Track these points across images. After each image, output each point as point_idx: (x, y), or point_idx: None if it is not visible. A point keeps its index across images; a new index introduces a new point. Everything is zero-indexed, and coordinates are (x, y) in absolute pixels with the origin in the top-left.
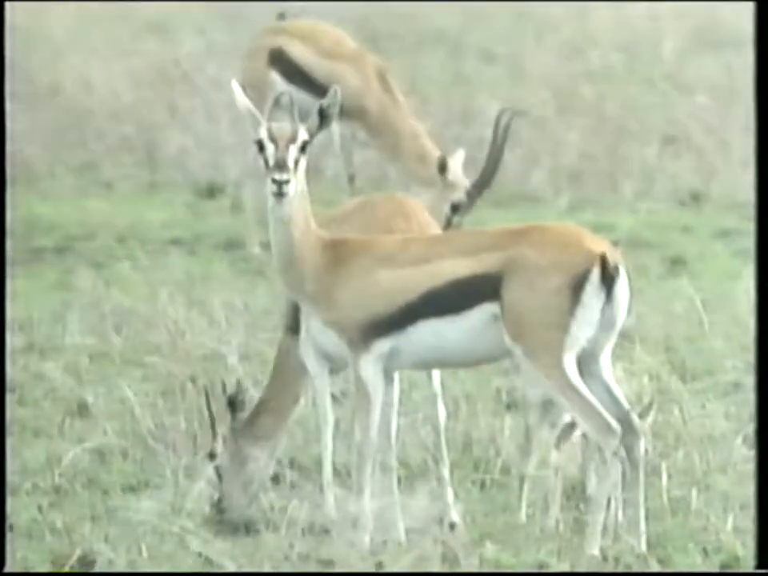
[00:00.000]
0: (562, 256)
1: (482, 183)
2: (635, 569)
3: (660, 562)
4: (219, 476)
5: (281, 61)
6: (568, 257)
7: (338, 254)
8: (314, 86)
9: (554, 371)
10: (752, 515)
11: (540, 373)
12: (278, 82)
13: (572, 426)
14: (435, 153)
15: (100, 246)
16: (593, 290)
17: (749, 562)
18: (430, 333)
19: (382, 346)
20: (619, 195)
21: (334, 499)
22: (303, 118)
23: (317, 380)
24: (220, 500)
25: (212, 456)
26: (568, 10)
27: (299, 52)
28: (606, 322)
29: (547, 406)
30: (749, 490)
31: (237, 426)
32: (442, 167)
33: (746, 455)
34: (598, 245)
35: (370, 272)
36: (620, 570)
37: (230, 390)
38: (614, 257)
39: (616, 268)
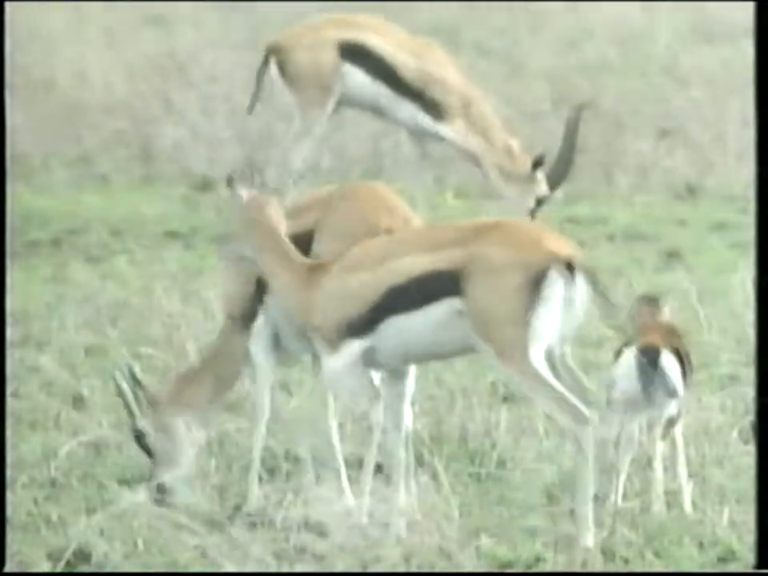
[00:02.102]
0: (521, 255)
1: (560, 176)
2: (632, 563)
3: (656, 554)
4: (148, 452)
5: (359, 55)
6: (526, 256)
7: (315, 276)
8: (399, 82)
9: (522, 367)
10: (747, 509)
11: (508, 369)
12: (354, 74)
13: (674, 419)
14: (517, 146)
15: (95, 239)
16: (552, 289)
17: (745, 556)
18: (398, 329)
19: (356, 346)
20: (615, 188)
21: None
22: (378, 113)
23: (261, 373)
24: (153, 477)
25: (136, 432)
26: (563, 3)
27: (384, 47)
28: (568, 320)
29: (643, 401)
30: (745, 484)
31: (154, 397)
32: (538, 163)
33: (741, 449)
34: (559, 244)
35: (341, 279)
36: (617, 563)
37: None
38: (576, 256)
39: (577, 267)
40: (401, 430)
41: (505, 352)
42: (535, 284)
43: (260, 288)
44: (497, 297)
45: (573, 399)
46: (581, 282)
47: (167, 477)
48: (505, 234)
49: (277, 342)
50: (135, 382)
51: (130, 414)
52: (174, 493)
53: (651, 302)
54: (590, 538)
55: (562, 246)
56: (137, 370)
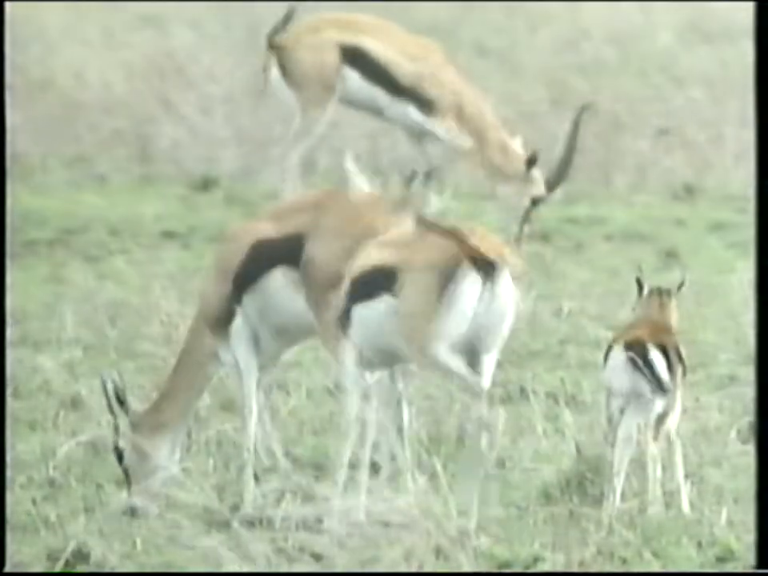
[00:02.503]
0: (431, 257)
1: (558, 178)
2: (630, 563)
3: (654, 554)
4: (125, 472)
5: (358, 58)
6: (435, 258)
7: None
8: (396, 87)
9: (425, 359)
10: (746, 508)
11: (413, 361)
12: (351, 76)
13: (663, 416)
14: (514, 145)
15: (93, 239)
16: (460, 288)
17: (743, 555)
18: (356, 320)
19: (349, 330)
20: (613, 188)
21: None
22: (375, 113)
23: (245, 372)
24: (130, 496)
25: (116, 449)
26: (561, 3)
27: (381, 50)
28: (487, 321)
29: (633, 398)
30: (743, 484)
31: (135, 419)
32: (532, 162)
33: (740, 448)
34: (471, 246)
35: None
36: (615, 563)
37: (111, 383)
38: (494, 258)
39: (491, 269)
40: (403, 431)
41: (410, 345)
42: (444, 283)
43: (237, 288)
44: (411, 297)
45: (468, 374)
46: (499, 282)
47: (139, 499)
48: (423, 237)
49: (257, 343)
50: (119, 399)
51: (115, 428)
52: (147, 511)
53: (662, 294)
54: (497, 506)
55: (478, 248)
56: (120, 386)
